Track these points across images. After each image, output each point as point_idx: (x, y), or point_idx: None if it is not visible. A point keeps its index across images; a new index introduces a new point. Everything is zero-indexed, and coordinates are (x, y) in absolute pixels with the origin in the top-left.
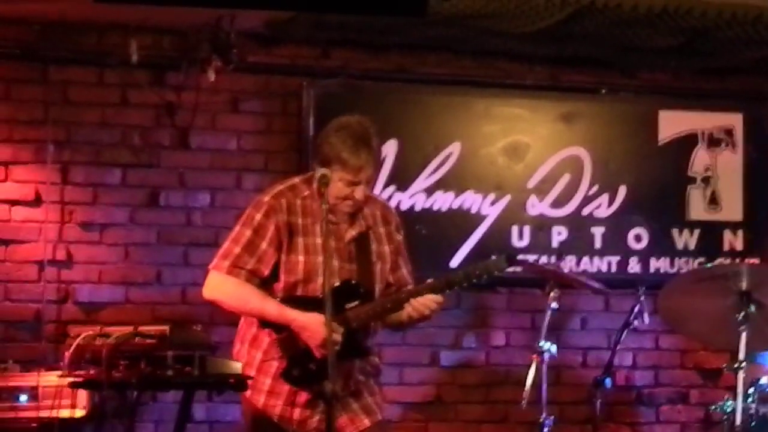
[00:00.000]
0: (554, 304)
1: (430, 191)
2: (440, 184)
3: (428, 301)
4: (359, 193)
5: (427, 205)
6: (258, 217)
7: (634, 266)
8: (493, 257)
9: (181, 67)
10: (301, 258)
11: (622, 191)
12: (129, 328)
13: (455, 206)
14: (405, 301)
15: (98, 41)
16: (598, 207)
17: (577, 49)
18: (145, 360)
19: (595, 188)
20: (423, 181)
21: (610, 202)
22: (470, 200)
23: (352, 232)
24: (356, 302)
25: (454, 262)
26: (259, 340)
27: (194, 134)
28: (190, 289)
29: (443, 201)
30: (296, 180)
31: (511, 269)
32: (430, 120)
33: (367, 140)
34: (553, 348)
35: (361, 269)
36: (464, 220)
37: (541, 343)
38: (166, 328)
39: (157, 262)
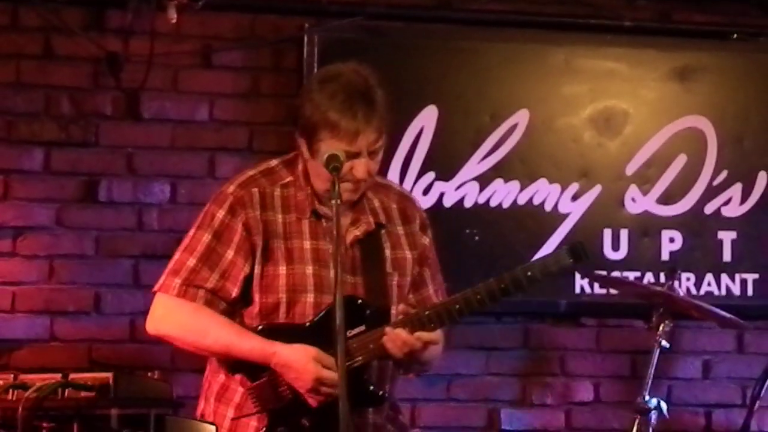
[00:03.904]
0: (664, 342)
1: (485, 180)
2: (500, 171)
3: (409, 341)
4: (360, 169)
5: (482, 201)
6: (219, 214)
7: None
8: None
9: (128, 4)
10: (282, 269)
11: (762, 179)
12: (56, 377)
13: (522, 201)
14: (427, 326)
15: None
16: (727, 203)
17: None
18: (78, 421)
19: (723, 175)
20: (475, 166)
21: (745, 196)
22: (544, 193)
23: (355, 232)
24: (361, 328)
25: None
26: (230, 392)
27: (147, 99)
28: (142, 320)
29: (504, 194)
30: (273, 162)
31: (602, 290)
32: (484, 78)
33: (366, 92)
34: (663, 405)
35: (369, 283)
36: (535, 222)
37: (646, 399)
38: (108, 376)
39: (96, 283)
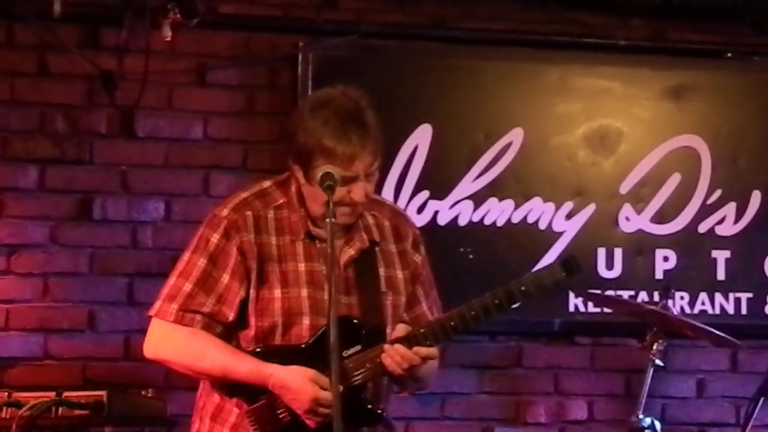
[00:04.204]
0: (658, 361)
1: (479, 199)
2: (495, 189)
3: (408, 356)
4: (358, 192)
5: (476, 219)
6: (214, 238)
7: None
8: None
9: (123, 22)
10: (277, 292)
11: (756, 199)
12: (50, 395)
13: (516, 220)
14: (423, 343)
15: None
16: (721, 222)
17: None
18: None
19: (717, 194)
20: (469, 184)
21: (739, 215)
22: (538, 211)
23: (350, 252)
24: (358, 347)
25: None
26: (225, 412)
27: (142, 117)
28: (136, 338)
29: (499, 212)
30: (266, 184)
31: (596, 309)
32: (479, 96)
33: (358, 116)
34: (657, 424)
35: (364, 303)
36: (530, 240)
37: (640, 417)
38: (102, 394)
39: (90, 300)
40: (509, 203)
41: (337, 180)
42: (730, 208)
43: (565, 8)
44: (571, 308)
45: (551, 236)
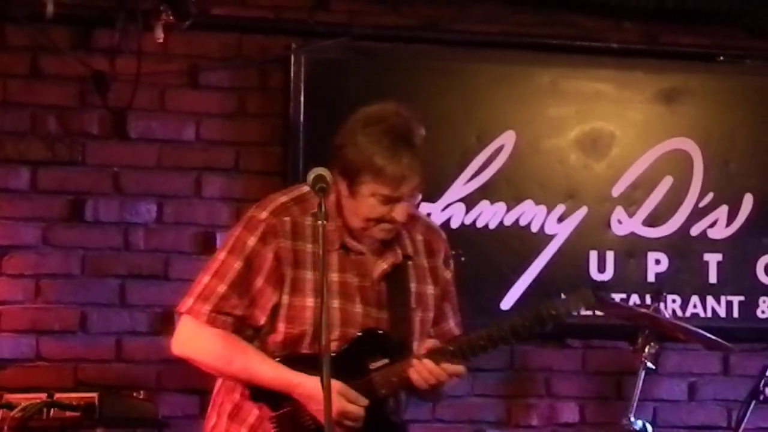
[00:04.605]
0: (650, 364)
1: (471, 202)
2: (486, 192)
3: (436, 372)
4: (400, 212)
5: (468, 222)
6: (251, 241)
7: (765, 310)
8: (563, 295)
9: (115, 23)
10: (309, 301)
11: (748, 202)
12: (41, 396)
13: (508, 223)
14: (450, 360)
15: None
16: (713, 225)
17: None
18: None
19: (709, 198)
20: (461, 187)
21: (731, 218)
22: (530, 214)
23: (383, 265)
24: (384, 361)
25: (507, 302)
26: (244, 411)
27: (134, 119)
28: (128, 339)
29: (491, 215)
30: (304, 189)
31: (587, 311)
32: (471, 99)
33: (409, 138)
34: (649, 427)
35: (394, 318)
36: (521, 243)
37: (631, 420)
38: (94, 396)
39: (82, 302)
40: (501, 206)
41: (330, 183)
42: (722, 212)
43: (558, 11)
44: None
45: (543, 239)
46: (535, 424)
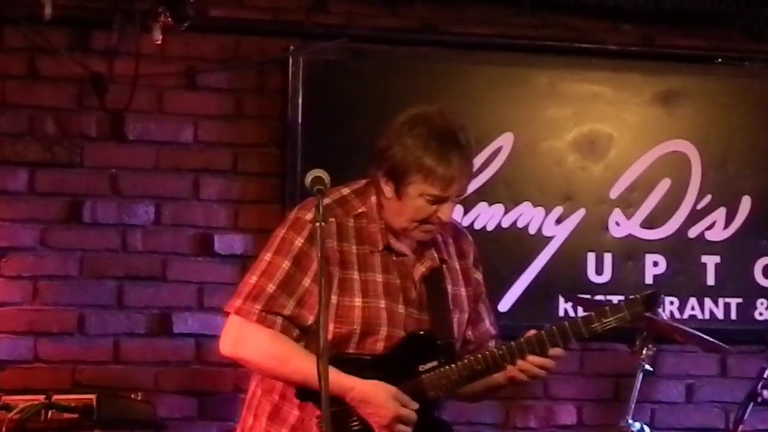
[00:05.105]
0: (648, 366)
1: (469, 204)
2: (484, 194)
3: (545, 361)
4: (446, 212)
5: (466, 224)
6: (298, 241)
7: (763, 312)
8: (619, 299)
9: (113, 25)
10: (358, 301)
11: (746, 204)
12: (39, 398)
13: (506, 224)
14: (507, 361)
15: None
16: (711, 227)
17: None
18: None
19: (706, 200)
20: None
21: (729, 221)
22: (528, 216)
23: (421, 269)
24: (434, 363)
25: (504, 305)
26: (284, 412)
27: (132, 120)
28: (126, 341)
29: (489, 217)
30: (345, 191)
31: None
32: (468, 101)
33: (457, 139)
34: (647, 429)
35: (435, 319)
36: (519, 245)
37: (629, 422)
38: (92, 397)
39: (79, 304)
40: (499, 208)
41: (327, 184)
42: (720, 214)
43: (555, 13)
44: (561, 313)
45: (541, 241)
46: (533, 426)
